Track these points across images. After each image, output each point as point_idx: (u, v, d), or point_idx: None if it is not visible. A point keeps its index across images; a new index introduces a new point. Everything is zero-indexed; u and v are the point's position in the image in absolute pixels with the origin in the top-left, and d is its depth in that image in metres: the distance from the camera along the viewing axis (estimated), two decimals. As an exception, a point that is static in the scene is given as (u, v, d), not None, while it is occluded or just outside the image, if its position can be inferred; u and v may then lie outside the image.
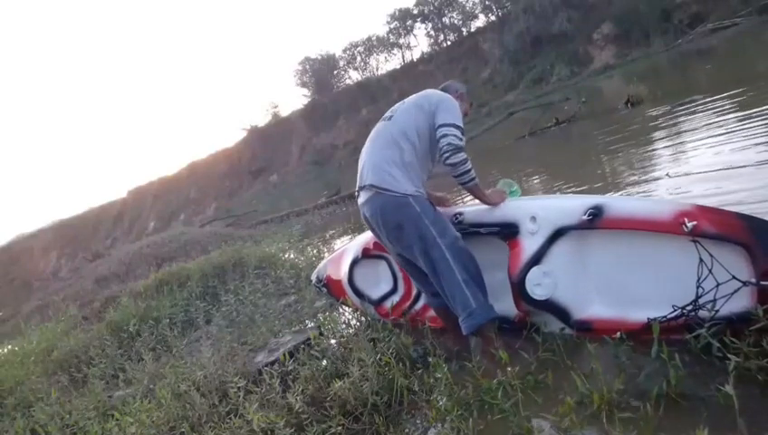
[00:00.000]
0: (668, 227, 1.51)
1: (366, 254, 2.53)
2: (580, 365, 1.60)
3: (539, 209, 1.84)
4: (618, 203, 1.71)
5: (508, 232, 1.90)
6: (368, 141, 2.09)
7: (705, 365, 1.38)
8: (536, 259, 1.79)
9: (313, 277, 2.91)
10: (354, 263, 2.57)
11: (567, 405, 1.34)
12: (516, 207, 1.94)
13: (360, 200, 2.04)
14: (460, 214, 2.11)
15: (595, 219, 1.67)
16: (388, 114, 2.09)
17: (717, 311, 1.41)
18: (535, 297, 1.78)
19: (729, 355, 1.28)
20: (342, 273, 2.63)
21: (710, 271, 1.43)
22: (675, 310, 1.49)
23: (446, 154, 1.86)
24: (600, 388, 1.35)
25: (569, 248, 1.78)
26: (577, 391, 1.42)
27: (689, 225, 1.44)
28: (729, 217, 1.44)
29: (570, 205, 1.79)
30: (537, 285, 1.77)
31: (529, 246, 1.82)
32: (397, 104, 2.13)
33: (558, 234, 1.77)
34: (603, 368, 1.46)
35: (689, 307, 1.46)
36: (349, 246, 2.73)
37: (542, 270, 1.78)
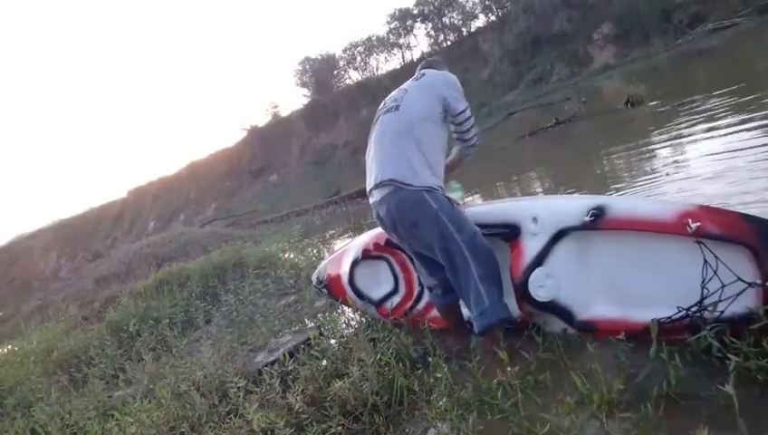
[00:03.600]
0: (672, 228, 1.50)
1: (366, 255, 2.53)
2: (580, 365, 1.60)
3: (540, 210, 1.83)
4: (620, 203, 1.69)
5: (509, 233, 1.89)
6: (376, 136, 2.01)
7: (705, 365, 1.38)
8: (538, 261, 1.78)
9: (314, 278, 2.90)
10: (354, 263, 2.56)
11: (567, 405, 1.34)
12: (517, 208, 1.93)
13: (374, 199, 1.97)
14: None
15: (597, 220, 1.66)
16: (391, 104, 2.01)
17: (722, 312, 1.41)
18: (538, 299, 1.77)
19: (729, 355, 1.28)
20: (343, 273, 2.62)
21: (715, 272, 1.42)
22: (679, 311, 1.49)
23: (474, 142, 2.07)
24: (600, 388, 1.35)
25: (571, 249, 1.77)
26: (577, 391, 1.42)
27: (693, 225, 1.42)
28: (733, 218, 1.44)
29: (571, 205, 1.78)
30: (540, 287, 1.76)
31: (531, 247, 1.81)
32: (395, 92, 2.06)
33: (560, 235, 1.77)
34: (603, 368, 1.46)
35: (694, 308, 1.46)
36: (349, 247, 2.72)
37: (544, 272, 1.77)
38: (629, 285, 1.69)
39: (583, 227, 1.70)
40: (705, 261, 1.43)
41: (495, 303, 1.80)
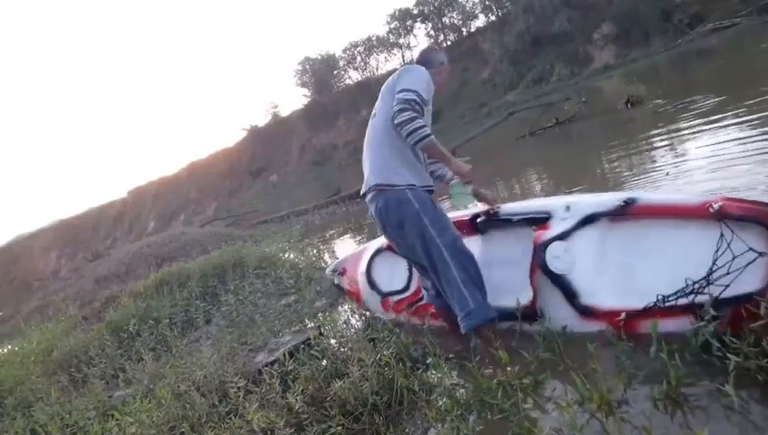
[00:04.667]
0: (695, 211, 1.59)
1: (390, 247, 2.60)
2: (580, 365, 1.60)
3: (574, 202, 1.92)
4: (650, 195, 1.80)
5: (540, 218, 1.96)
6: (365, 143, 2.09)
7: (705, 365, 1.38)
8: (562, 236, 1.83)
9: (329, 269, 3.05)
10: (378, 252, 2.68)
11: (567, 405, 1.34)
12: (553, 200, 2.03)
13: (367, 200, 2.05)
14: (498, 206, 2.19)
15: (627, 207, 1.74)
16: (374, 112, 2.08)
17: (728, 286, 1.45)
18: (552, 269, 1.81)
19: (729, 355, 1.28)
20: (362, 262, 2.74)
21: (728, 245, 1.48)
22: (687, 285, 1.52)
23: (393, 116, 1.80)
24: (600, 388, 1.35)
25: (594, 235, 1.82)
26: (577, 391, 1.42)
27: (715, 206, 1.51)
28: (753, 203, 1.52)
29: (605, 197, 1.87)
30: (556, 258, 1.80)
31: (558, 226, 1.88)
32: (378, 97, 2.10)
33: (589, 220, 1.83)
34: (603, 368, 1.46)
35: (702, 281, 1.50)
36: (372, 243, 2.87)
37: (564, 246, 1.81)
38: (640, 277, 1.72)
39: (614, 213, 1.78)
40: (722, 235, 1.50)
41: (480, 304, 1.82)
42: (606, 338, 1.64)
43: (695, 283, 1.51)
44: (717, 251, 1.50)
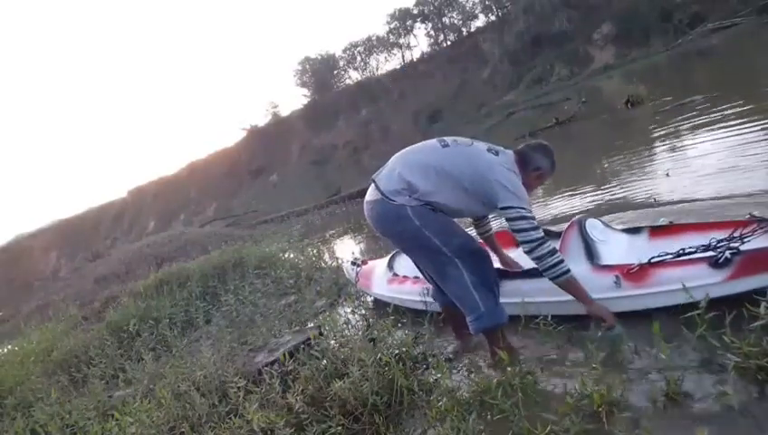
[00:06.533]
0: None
1: None
2: (580, 365, 1.61)
3: None
4: None
5: None
6: (413, 147, 1.97)
7: (706, 365, 1.38)
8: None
9: (351, 259, 3.20)
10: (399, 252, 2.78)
11: (567, 405, 1.34)
12: None
13: (367, 198, 1.98)
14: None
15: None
16: (446, 140, 1.94)
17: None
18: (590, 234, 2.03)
19: (729, 355, 1.29)
20: (388, 258, 2.90)
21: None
22: (710, 242, 1.71)
23: (526, 249, 1.73)
24: (600, 388, 1.35)
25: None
26: (577, 391, 1.42)
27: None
28: None
29: None
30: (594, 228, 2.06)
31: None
32: (464, 138, 1.98)
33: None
34: (603, 368, 1.46)
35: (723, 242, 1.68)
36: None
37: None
38: None
39: None
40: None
41: (492, 308, 1.80)
42: (606, 338, 1.64)
43: (719, 241, 1.69)
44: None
